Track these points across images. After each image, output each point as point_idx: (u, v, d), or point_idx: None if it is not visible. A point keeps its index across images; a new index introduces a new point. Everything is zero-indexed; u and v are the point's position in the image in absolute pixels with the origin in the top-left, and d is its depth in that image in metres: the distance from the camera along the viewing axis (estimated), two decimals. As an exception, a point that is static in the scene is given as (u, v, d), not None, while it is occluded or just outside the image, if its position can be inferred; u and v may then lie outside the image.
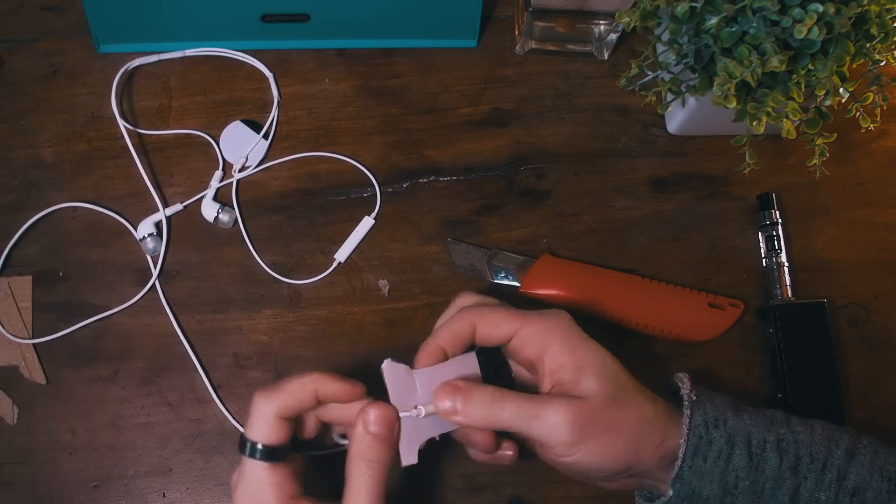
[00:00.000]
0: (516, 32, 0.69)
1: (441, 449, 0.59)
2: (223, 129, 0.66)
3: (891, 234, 0.65)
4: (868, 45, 0.51)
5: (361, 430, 0.42)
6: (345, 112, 0.67)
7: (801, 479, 0.45)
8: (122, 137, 0.65)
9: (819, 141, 0.54)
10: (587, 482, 0.48)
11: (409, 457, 0.44)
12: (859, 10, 0.49)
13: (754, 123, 0.52)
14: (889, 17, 0.50)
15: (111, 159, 0.65)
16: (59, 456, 0.57)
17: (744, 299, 0.62)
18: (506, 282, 0.61)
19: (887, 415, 0.60)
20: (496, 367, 0.49)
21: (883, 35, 0.50)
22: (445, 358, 0.46)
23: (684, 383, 0.47)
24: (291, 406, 0.43)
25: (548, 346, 0.45)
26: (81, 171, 0.64)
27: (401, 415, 0.43)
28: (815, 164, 0.54)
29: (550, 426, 0.43)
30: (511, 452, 0.48)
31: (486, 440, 0.47)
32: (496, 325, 0.46)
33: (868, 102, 0.53)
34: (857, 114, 0.53)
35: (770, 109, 0.51)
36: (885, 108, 0.54)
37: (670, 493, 0.45)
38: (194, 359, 0.60)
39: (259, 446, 0.43)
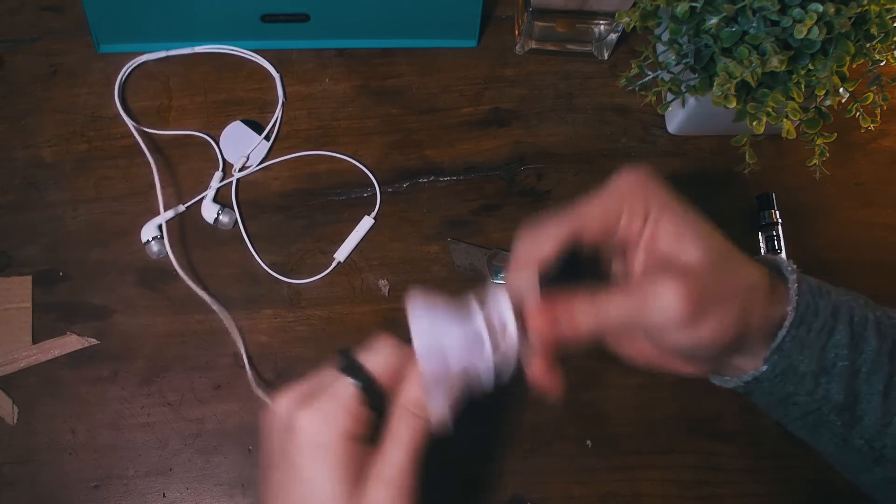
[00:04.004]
0: (516, 32, 0.69)
1: (441, 449, 0.59)
2: (223, 129, 0.66)
3: (891, 234, 0.65)
4: (868, 45, 0.51)
5: (413, 383, 0.40)
6: (345, 112, 0.67)
7: None
8: (122, 137, 0.65)
9: (819, 141, 0.54)
10: (682, 368, 0.44)
11: (439, 410, 0.40)
12: (859, 10, 0.49)
13: (754, 123, 0.52)
14: (889, 17, 0.50)
15: (111, 159, 0.65)
16: (59, 456, 0.57)
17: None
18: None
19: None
20: (573, 274, 0.43)
21: (883, 35, 0.50)
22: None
23: (780, 256, 0.43)
24: (393, 368, 0.41)
25: (640, 221, 0.41)
26: (81, 171, 0.64)
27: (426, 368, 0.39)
28: (815, 164, 0.54)
29: (663, 309, 0.38)
30: (557, 385, 0.43)
31: (552, 377, 0.42)
32: (599, 216, 0.41)
33: (868, 102, 0.53)
34: (857, 114, 0.53)
35: (770, 109, 0.51)
36: (885, 108, 0.54)
37: (763, 367, 0.41)
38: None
39: (364, 374, 0.40)
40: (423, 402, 0.39)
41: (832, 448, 0.44)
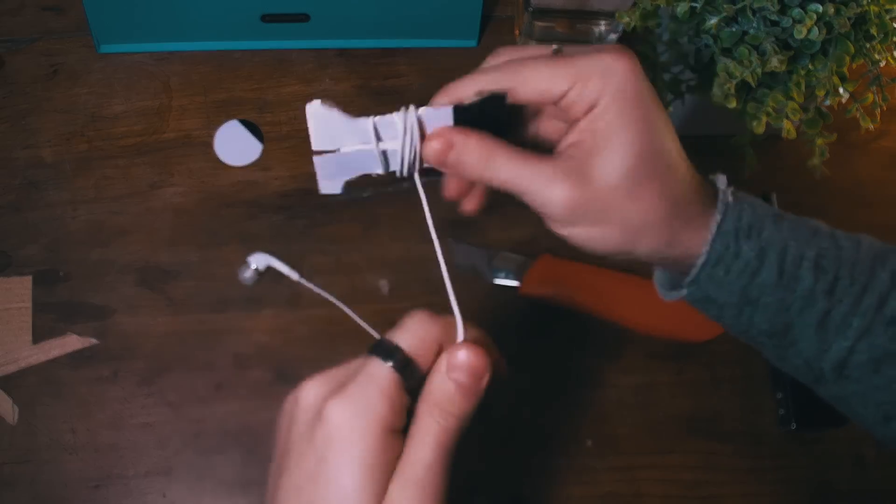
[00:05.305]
0: (516, 32, 0.69)
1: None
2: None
3: (891, 234, 0.65)
4: (868, 45, 0.51)
5: (443, 374, 0.36)
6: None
7: (836, 303, 0.39)
8: (122, 137, 0.65)
9: (819, 141, 0.54)
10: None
11: (329, 186, 0.41)
12: (859, 10, 0.49)
13: (754, 123, 0.52)
14: (889, 17, 0.50)
15: (111, 159, 0.65)
16: (59, 456, 0.57)
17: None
18: (506, 282, 0.61)
19: (887, 415, 0.60)
20: (496, 119, 0.41)
21: (883, 35, 0.50)
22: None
23: (721, 182, 0.41)
24: (431, 346, 0.37)
25: (592, 106, 0.37)
26: (81, 171, 0.64)
27: (316, 158, 0.40)
28: (815, 164, 0.54)
29: (544, 199, 0.38)
30: (472, 208, 0.44)
31: (459, 187, 0.43)
32: (541, 83, 0.38)
33: (868, 103, 0.53)
34: (857, 114, 0.53)
35: (770, 109, 0.51)
36: (884, 108, 0.54)
37: (684, 291, 0.41)
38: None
39: (401, 355, 0.35)
40: (456, 398, 0.35)
41: (776, 362, 0.43)
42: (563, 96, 0.38)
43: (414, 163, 0.41)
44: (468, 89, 0.40)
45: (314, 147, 0.40)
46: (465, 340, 0.37)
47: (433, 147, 0.39)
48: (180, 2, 0.63)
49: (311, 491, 0.34)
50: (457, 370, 0.35)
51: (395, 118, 0.40)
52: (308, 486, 0.34)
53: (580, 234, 0.39)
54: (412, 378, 0.36)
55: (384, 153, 0.40)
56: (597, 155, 0.38)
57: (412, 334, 0.37)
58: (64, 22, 0.69)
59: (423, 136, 0.40)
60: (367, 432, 0.34)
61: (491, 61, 0.42)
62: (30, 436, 0.58)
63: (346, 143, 0.40)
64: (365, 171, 0.42)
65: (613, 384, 0.61)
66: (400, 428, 0.36)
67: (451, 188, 0.43)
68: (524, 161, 0.38)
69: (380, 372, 0.35)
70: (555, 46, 0.40)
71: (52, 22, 0.69)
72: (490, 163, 0.39)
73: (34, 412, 0.58)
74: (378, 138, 0.40)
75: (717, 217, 0.39)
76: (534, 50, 0.41)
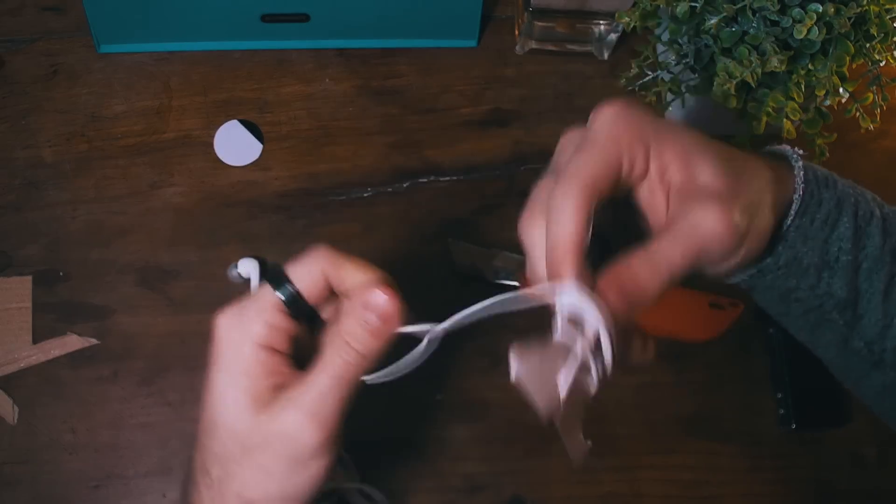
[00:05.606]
0: (516, 32, 0.69)
1: (440, 448, 0.59)
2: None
3: (891, 234, 0.65)
4: (868, 45, 0.51)
5: (358, 311, 0.36)
6: (345, 112, 0.67)
7: None
8: (122, 137, 0.65)
9: (819, 141, 0.54)
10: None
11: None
12: (859, 10, 0.49)
13: (754, 123, 0.52)
14: (889, 17, 0.50)
15: (111, 159, 0.65)
16: (59, 456, 0.57)
17: (744, 299, 0.62)
18: (506, 282, 0.61)
19: (887, 415, 0.60)
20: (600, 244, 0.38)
21: (883, 35, 0.50)
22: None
23: (784, 144, 0.41)
24: (324, 283, 0.38)
25: (643, 159, 0.36)
26: (81, 171, 0.64)
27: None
28: (815, 164, 0.54)
29: (714, 233, 0.35)
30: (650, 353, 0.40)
31: (646, 345, 0.39)
32: (603, 179, 0.35)
33: (868, 103, 0.53)
34: (857, 114, 0.53)
35: (770, 109, 0.51)
36: (884, 108, 0.54)
37: (768, 259, 0.39)
38: (194, 359, 0.60)
39: (289, 287, 0.37)
40: (363, 336, 0.36)
41: (833, 351, 0.43)
42: (620, 168, 0.36)
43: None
44: (572, 224, 0.35)
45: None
46: (384, 284, 0.37)
47: (615, 307, 0.35)
48: (180, 2, 0.63)
49: (203, 395, 0.39)
50: (371, 310, 0.36)
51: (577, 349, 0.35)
52: (203, 390, 0.39)
53: (741, 222, 0.36)
54: (299, 310, 0.38)
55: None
56: (693, 177, 0.36)
57: (308, 268, 0.38)
58: (64, 22, 0.68)
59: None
60: (242, 343, 0.37)
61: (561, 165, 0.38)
62: (30, 436, 0.58)
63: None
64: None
65: (613, 384, 0.61)
66: (282, 351, 0.37)
67: (634, 347, 0.40)
68: (667, 238, 0.36)
69: (265, 297, 0.38)
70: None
71: (52, 22, 0.69)
72: (659, 264, 0.35)
73: (34, 412, 0.58)
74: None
75: (799, 165, 0.39)
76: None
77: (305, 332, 0.39)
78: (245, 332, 0.37)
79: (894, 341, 0.40)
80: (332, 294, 0.39)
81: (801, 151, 0.40)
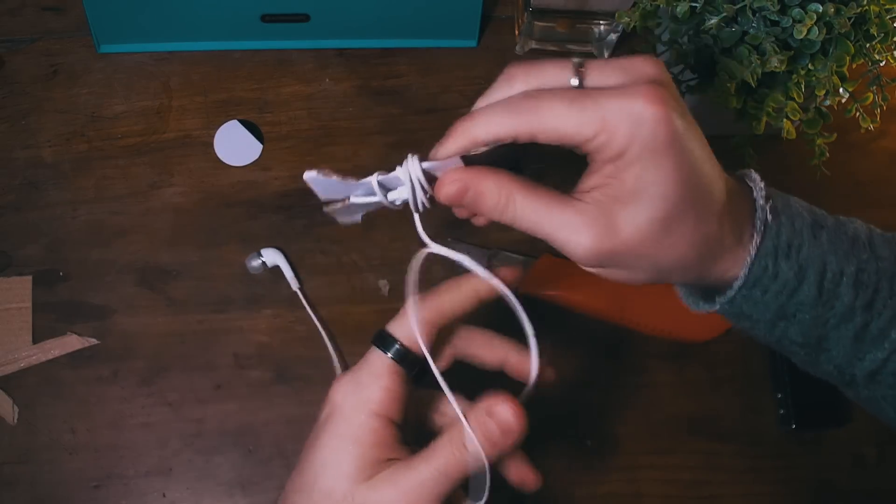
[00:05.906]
0: (516, 32, 0.69)
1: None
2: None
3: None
4: (868, 45, 0.51)
5: (482, 414, 0.37)
6: (345, 112, 0.67)
7: (875, 315, 0.38)
8: (122, 137, 0.65)
9: (819, 141, 0.54)
10: None
11: (348, 221, 0.41)
12: (859, 10, 0.49)
13: (754, 123, 0.52)
14: (889, 17, 0.50)
15: (111, 159, 0.65)
16: (59, 456, 0.57)
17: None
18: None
19: (887, 415, 0.60)
20: (510, 157, 0.39)
21: (883, 35, 0.50)
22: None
23: (759, 187, 0.39)
24: (449, 311, 0.41)
25: (619, 154, 0.34)
26: (81, 171, 0.64)
27: (326, 209, 0.40)
28: (815, 164, 0.54)
29: (568, 247, 0.36)
30: (482, 224, 0.41)
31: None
32: (562, 128, 0.35)
33: (868, 102, 0.53)
34: (857, 114, 0.53)
35: (770, 109, 0.51)
36: (884, 108, 0.54)
37: (716, 307, 0.39)
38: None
39: (397, 345, 0.39)
40: (479, 440, 0.37)
41: (801, 365, 0.42)
42: (585, 142, 0.35)
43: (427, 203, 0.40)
44: (478, 132, 0.38)
45: (323, 201, 0.40)
46: (510, 399, 0.38)
47: (446, 192, 0.38)
48: (180, 2, 0.63)
49: (304, 456, 0.38)
50: (495, 419, 0.37)
51: (399, 174, 0.39)
52: (305, 452, 0.39)
53: (607, 273, 0.37)
54: (409, 365, 0.39)
55: (394, 202, 0.40)
56: (624, 205, 0.35)
57: (407, 321, 0.40)
58: (64, 22, 0.69)
59: (433, 178, 0.39)
60: (358, 410, 0.38)
61: (502, 88, 0.39)
62: (30, 436, 0.58)
63: (355, 195, 0.40)
64: (380, 207, 0.41)
65: (613, 384, 0.61)
66: (396, 418, 0.39)
67: (461, 213, 0.41)
68: (546, 205, 0.36)
69: (376, 360, 0.39)
70: (575, 60, 0.36)
71: (52, 22, 0.69)
72: (509, 206, 0.37)
73: (34, 412, 0.58)
74: (385, 190, 0.39)
75: (756, 239, 0.37)
76: (551, 72, 0.36)
77: (414, 394, 0.41)
78: (360, 399, 0.38)
79: (865, 371, 0.39)
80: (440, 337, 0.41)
81: (769, 213, 0.38)
